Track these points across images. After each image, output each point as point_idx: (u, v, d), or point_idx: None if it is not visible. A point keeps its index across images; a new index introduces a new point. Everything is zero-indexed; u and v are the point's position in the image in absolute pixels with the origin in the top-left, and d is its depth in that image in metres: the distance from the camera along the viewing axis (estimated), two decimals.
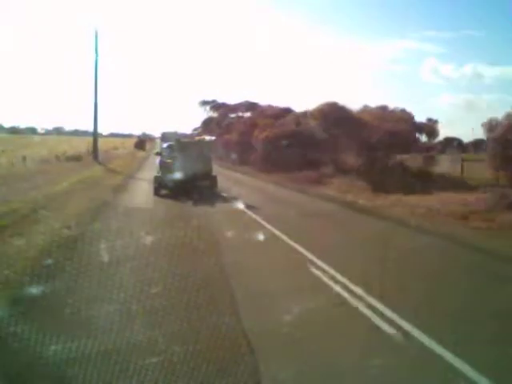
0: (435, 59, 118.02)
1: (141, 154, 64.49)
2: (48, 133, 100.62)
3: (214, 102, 63.83)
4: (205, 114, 65.26)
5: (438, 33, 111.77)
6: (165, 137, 23.47)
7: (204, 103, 64.63)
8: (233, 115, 56.57)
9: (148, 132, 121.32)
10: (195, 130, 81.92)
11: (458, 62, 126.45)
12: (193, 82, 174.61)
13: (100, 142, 42.91)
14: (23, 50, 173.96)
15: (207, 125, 62.94)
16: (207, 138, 27.71)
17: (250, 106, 53.15)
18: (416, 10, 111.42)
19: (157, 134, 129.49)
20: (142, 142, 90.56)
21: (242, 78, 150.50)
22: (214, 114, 63.25)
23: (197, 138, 25.32)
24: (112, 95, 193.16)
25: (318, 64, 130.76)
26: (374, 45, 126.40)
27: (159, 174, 18.54)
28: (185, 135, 26.50)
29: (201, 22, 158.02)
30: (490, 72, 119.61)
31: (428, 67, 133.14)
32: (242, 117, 53.57)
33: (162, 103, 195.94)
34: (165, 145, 20.64)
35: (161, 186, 18.05)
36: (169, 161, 18.70)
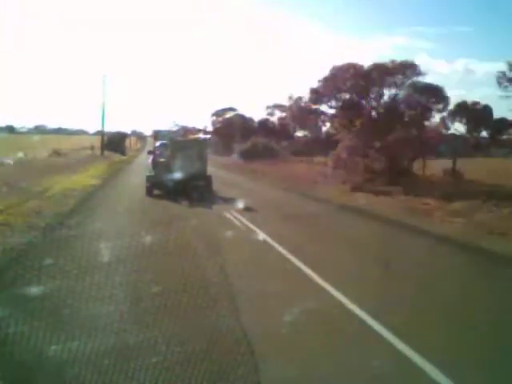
0: (425, 55, 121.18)
1: (97, 173, 28.94)
2: (29, 131, 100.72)
3: None
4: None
5: (427, 28, 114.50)
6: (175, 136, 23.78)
7: None
8: None
9: (139, 130, 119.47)
10: (218, 114, 65.73)
11: (448, 57, 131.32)
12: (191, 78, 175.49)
13: (69, 140, 38.15)
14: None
15: None
16: (202, 136, 28.33)
17: None
18: (403, 6, 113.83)
19: (148, 131, 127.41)
20: (119, 140, 63.84)
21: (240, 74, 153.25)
22: None
23: (191, 136, 25.98)
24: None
25: (307, 61, 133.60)
26: (361, 42, 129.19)
27: (152, 174, 19.05)
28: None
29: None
30: (481, 68, 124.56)
31: (418, 63, 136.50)
32: None
33: (155, 99, 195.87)
34: (158, 143, 21.12)
35: (153, 186, 18.51)
36: (162, 160, 19.25)
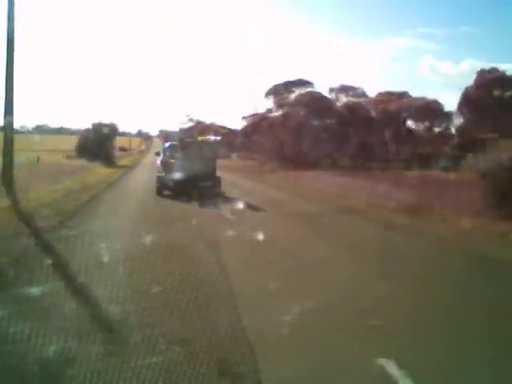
0: (432, 56, 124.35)
1: None
2: (30, 131, 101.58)
3: None
4: None
5: (433, 30, 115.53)
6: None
7: None
8: None
9: (144, 130, 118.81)
10: (278, 92, 45.78)
11: (454, 58, 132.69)
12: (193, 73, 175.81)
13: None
14: None
15: None
16: (212, 137, 29.22)
17: None
18: (409, 7, 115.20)
19: (154, 131, 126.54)
20: (103, 139, 39.89)
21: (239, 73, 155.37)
22: None
23: (200, 137, 27.23)
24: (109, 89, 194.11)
25: (315, 62, 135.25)
26: (370, 43, 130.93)
27: (162, 174, 20.07)
28: None
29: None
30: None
31: (425, 64, 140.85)
32: None
33: (164, 94, 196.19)
34: (167, 144, 22.48)
35: (163, 187, 19.65)
36: (172, 161, 20.38)
